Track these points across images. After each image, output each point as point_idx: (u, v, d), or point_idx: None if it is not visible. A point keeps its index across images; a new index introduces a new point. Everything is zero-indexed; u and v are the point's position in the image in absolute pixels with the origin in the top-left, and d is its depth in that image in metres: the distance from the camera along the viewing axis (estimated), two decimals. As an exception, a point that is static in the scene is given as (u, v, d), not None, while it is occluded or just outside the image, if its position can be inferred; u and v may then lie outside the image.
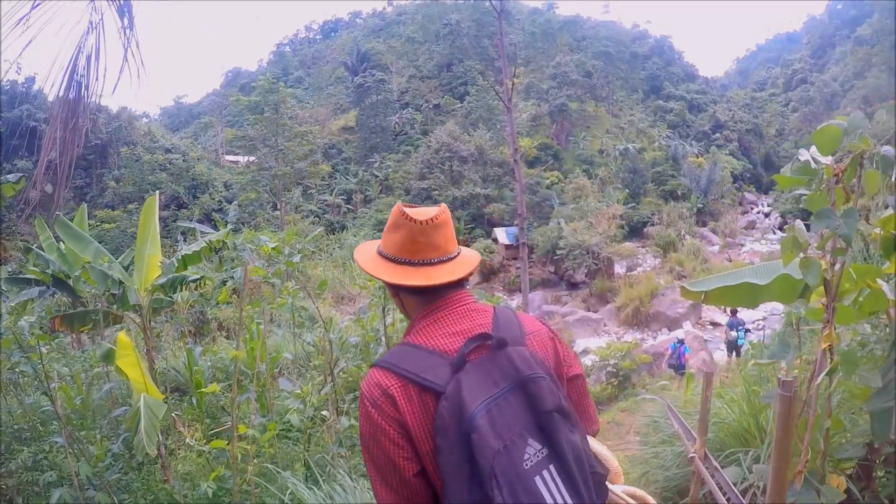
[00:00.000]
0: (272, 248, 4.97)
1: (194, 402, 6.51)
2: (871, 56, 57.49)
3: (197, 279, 7.52)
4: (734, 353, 16.46)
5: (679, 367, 15.39)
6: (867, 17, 72.16)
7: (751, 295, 3.66)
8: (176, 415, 5.63)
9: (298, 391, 4.14)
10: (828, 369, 2.60)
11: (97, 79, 4.17)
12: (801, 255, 2.62)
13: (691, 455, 3.26)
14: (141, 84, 4.30)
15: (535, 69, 71.41)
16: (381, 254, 1.78)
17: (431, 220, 1.69)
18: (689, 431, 3.68)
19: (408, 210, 1.72)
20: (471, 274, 1.78)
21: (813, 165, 2.72)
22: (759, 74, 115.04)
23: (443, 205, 1.80)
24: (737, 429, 4.44)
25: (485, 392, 1.47)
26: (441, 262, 1.71)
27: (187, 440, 4.84)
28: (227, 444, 3.90)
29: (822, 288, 2.70)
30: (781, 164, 68.82)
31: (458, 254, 1.78)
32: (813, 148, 2.71)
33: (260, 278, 5.36)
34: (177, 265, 6.84)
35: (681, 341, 16.07)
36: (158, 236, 6.27)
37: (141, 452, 4.21)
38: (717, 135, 71.38)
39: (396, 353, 1.63)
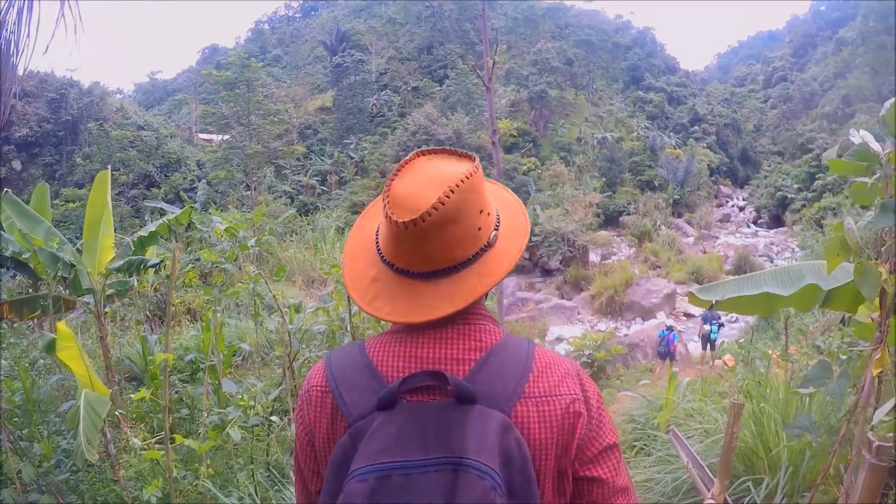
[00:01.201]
0: (224, 231, 4.47)
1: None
2: (855, 57, 58.01)
3: (157, 263, 7.06)
4: (708, 347, 16.39)
5: (668, 353, 15.33)
6: (850, 20, 72.74)
7: (768, 304, 3.25)
8: (120, 413, 5.16)
9: (243, 396, 3.65)
10: (891, 405, 2.13)
11: (28, 35, 3.65)
12: (852, 260, 2.16)
13: (708, 502, 2.81)
14: (77, 40, 3.77)
15: (517, 55, 71.01)
16: (377, 233, 1.29)
17: (416, 222, 1.10)
18: (700, 466, 3.22)
19: (393, 188, 1.16)
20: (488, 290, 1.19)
21: (873, 150, 2.23)
22: (739, 70, 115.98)
23: (464, 173, 1.15)
24: (743, 449, 3.93)
25: (400, 452, 1.01)
26: (436, 275, 1.17)
27: (132, 441, 4.41)
28: (162, 455, 3.44)
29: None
30: (758, 159, 70.63)
31: (479, 254, 1.18)
32: (863, 130, 2.25)
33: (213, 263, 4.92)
34: (133, 247, 6.41)
35: (669, 328, 15.97)
36: (111, 216, 5.85)
37: (80, 458, 3.77)
38: (696, 128, 71.91)
39: (342, 351, 1.24)
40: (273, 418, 3.98)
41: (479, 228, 1.17)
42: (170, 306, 3.71)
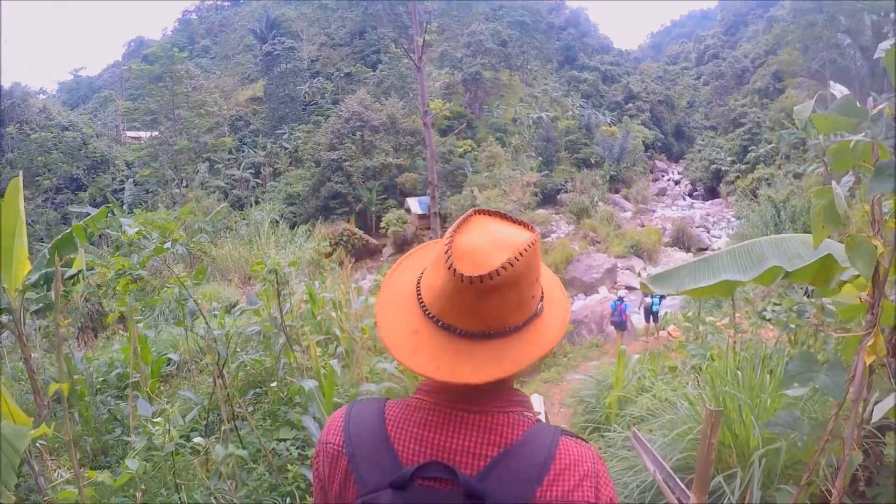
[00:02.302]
0: (135, 234, 4.05)
1: (76, 415, 5.84)
2: (786, 34, 59.66)
3: (75, 273, 6.54)
4: (651, 319, 16.68)
5: (621, 323, 15.59)
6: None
7: (727, 288, 3.01)
8: (41, 444, 4.71)
9: (156, 420, 3.25)
10: (892, 402, 1.85)
11: None
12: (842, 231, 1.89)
13: (687, 524, 2.53)
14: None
15: (450, 37, 70.74)
16: (418, 284, 1.23)
17: (483, 279, 1.06)
18: (670, 475, 2.93)
19: (457, 241, 1.12)
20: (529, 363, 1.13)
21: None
22: (672, 49, 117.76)
23: (530, 239, 1.12)
24: None
25: None
26: (484, 336, 1.12)
27: (55, 473, 4.03)
28: (77, 495, 3.05)
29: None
30: (692, 133, 72.08)
31: (528, 322, 1.15)
32: (833, 84, 1.97)
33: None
34: (49, 256, 5.93)
35: (620, 299, 16.19)
36: (24, 226, 5.36)
37: (-8, 502, 3.35)
38: (630, 105, 72.85)
39: (361, 415, 1.24)
40: (197, 440, 3.59)
41: (533, 297, 1.16)
42: (58, 328, 3.28)
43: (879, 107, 1.88)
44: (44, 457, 4.80)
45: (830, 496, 2.28)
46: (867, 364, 1.91)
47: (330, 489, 1.21)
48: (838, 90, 2.01)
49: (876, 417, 1.91)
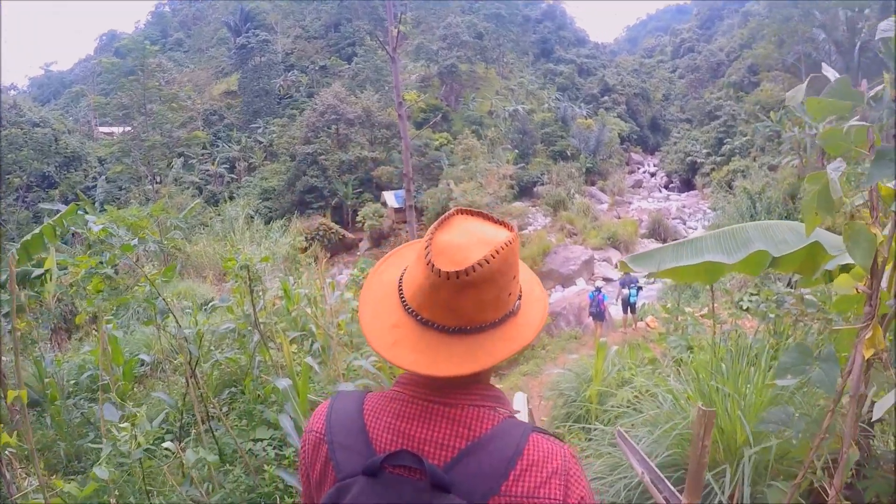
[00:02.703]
0: (99, 231, 3.90)
1: (48, 420, 5.73)
2: (762, 28, 60.26)
3: (42, 273, 6.37)
4: (629, 310, 16.79)
5: (599, 314, 15.79)
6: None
7: (711, 273, 2.94)
8: (10, 452, 4.55)
9: (123, 426, 3.12)
10: (893, 399, 1.76)
11: None
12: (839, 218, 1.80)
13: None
14: None
15: (426, 30, 70.64)
16: (400, 280, 1.27)
17: (459, 274, 1.10)
18: (660, 478, 2.83)
19: (437, 239, 1.16)
20: (506, 358, 1.18)
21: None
22: (648, 42, 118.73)
23: (508, 237, 1.16)
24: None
25: None
26: (461, 332, 1.16)
27: (27, 480, 3.91)
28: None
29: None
30: (668, 126, 72.58)
31: (504, 319, 1.19)
32: (826, 66, 1.89)
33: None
34: (18, 256, 5.75)
35: (598, 289, 16.43)
36: None
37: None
38: (606, 98, 73.18)
39: (343, 406, 1.29)
40: (167, 444, 3.45)
41: (510, 294, 1.19)
42: (15, 331, 3.13)
43: (877, 88, 1.80)
44: (13, 465, 4.65)
45: (822, 491, 2.23)
46: (865, 358, 1.83)
47: (311, 475, 1.25)
48: (831, 74, 1.93)
49: (877, 416, 1.83)
